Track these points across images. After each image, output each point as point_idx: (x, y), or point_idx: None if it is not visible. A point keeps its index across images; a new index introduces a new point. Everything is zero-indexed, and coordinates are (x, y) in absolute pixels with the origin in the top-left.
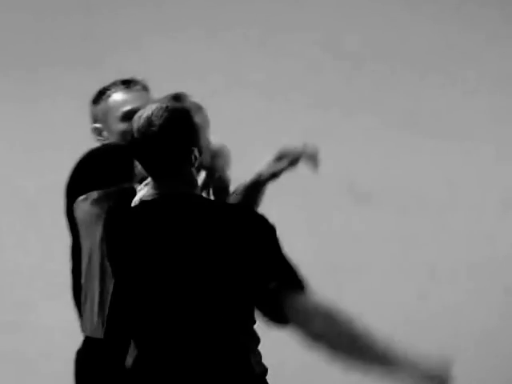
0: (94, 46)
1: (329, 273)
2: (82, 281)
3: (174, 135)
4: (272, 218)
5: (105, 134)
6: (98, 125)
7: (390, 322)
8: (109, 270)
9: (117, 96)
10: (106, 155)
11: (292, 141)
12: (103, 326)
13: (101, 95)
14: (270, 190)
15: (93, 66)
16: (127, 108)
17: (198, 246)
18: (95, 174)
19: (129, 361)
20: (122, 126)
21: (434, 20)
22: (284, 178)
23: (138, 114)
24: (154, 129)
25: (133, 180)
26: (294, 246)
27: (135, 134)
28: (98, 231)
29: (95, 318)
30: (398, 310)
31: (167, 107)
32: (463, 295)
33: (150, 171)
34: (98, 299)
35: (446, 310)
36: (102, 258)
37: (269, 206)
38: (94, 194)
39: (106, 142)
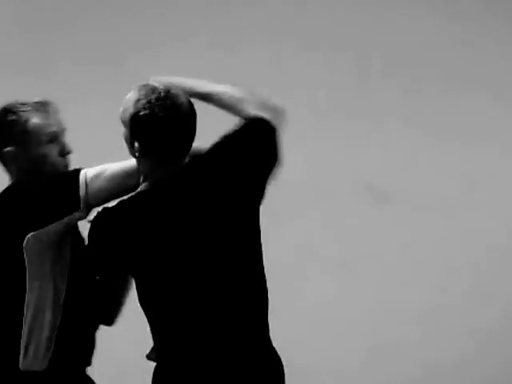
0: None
1: (346, 271)
2: (28, 313)
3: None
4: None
5: (21, 157)
6: (9, 148)
7: (409, 321)
8: (60, 297)
9: (35, 120)
10: (52, 188)
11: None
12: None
13: (10, 117)
14: (292, 193)
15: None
16: (53, 130)
17: (204, 219)
18: (47, 210)
19: (152, 354)
20: (48, 149)
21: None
22: (303, 179)
23: (132, 99)
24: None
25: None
26: (314, 245)
27: (158, 114)
28: (48, 259)
29: (42, 351)
30: (417, 307)
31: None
32: (482, 291)
33: (176, 150)
34: (48, 330)
35: (464, 306)
36: (55, 287)
37: (291, 209)
38: (50, 227)
39: (20, 165)
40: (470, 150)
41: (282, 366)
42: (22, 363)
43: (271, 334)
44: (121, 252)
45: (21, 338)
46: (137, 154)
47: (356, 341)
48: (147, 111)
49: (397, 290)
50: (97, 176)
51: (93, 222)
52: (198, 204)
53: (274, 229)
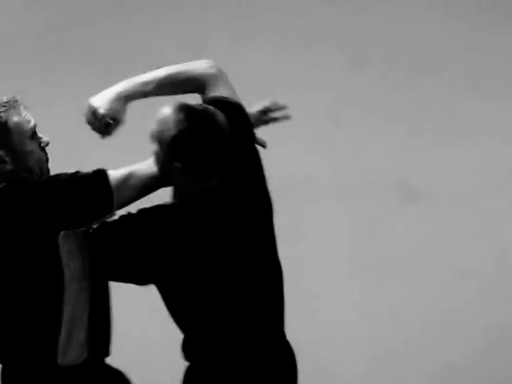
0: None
1: (379, 270)
2: (66, 309)
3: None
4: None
5: (8, 158)
6: None
7: (443, 319)
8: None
9: (15, 118)
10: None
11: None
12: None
13: None
14: (324, 188)
15: None
16: (32, 125)
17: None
18: (81, 211)
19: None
20: (32, 145)
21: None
22: (334, 177)
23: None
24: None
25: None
26: (347, 243)
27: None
28: (81, 257)
29: (82, 344)
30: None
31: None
32: None
33: (215, 167)
34: (86, 324)
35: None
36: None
37: (321, 207)
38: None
39: (10, 166)
40: (507, 147)
41: (295, 360)
42: (63, 359)
43: (304, 332)
44: (152, 260)
45: (51, 333)
46: (175, 173)
47: (384, 339)
48: (191, 132)
49: (429, 288)
50: (125, 179)
51: (125, 228)
52: (228, 218)
53: (305, 227)
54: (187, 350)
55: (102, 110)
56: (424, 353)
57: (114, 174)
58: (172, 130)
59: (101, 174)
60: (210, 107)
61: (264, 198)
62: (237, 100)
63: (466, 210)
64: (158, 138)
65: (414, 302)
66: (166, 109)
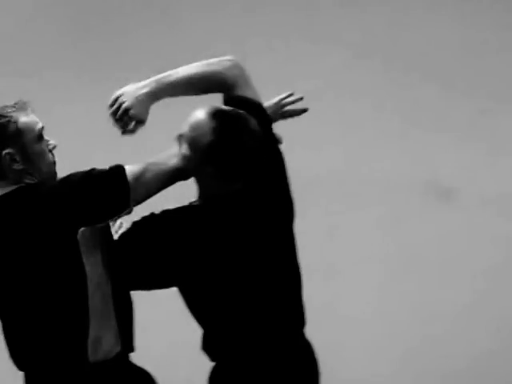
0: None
1: (412, 269)
2: (92, 302)
3: None
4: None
5: (19, 157)
6: (8, 150)
7: (474, 317)
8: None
9: (24, 119)
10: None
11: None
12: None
13: (0, 120)
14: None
15: None
16: (40, 126)
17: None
18: (98, 207)
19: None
20: (41, 147)
21: None
22: (364, 175)
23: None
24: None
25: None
26: (377, 243)
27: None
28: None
29: (115, 336)
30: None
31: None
32: None
33: (248, 171)
34: (114, 319)
35: None
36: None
37: (352, 202)
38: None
39: (21, 166)
40: None
41: (315, 358)
42: (95, 355)
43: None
44: (177, 260)
45: (79, 331)
46: (205, 177)
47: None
48: (228, 140)
49: (460, 290)
50: (142, 174)
51: (150, 230)
52: (250, 220)
53: (335, 227)
54: (210, 349)
55: (134, 111)
56: (451, 351)
57: (131, 169)
58: (208, 137)
59: (117, 170)
60: (242, 112)
61: (286, 200)
62: (258, 100)
63: (495, 208)
64: (192, 143)
65: (448, 302)
66: (199, 113)
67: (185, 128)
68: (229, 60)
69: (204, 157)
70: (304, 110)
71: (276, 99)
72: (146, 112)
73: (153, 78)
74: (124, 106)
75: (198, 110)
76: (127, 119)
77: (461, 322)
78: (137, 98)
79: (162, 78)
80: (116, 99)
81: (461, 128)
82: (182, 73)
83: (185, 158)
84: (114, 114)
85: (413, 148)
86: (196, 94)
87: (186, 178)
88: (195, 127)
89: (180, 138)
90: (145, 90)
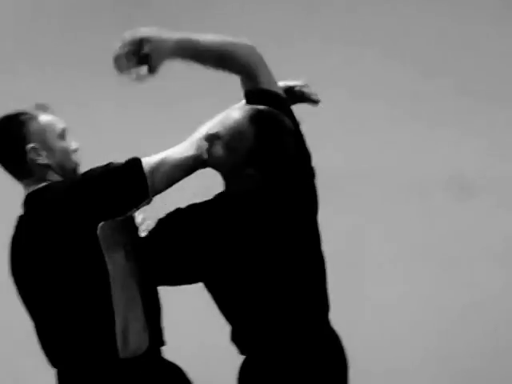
0: None
1: (436, 265)
2: (119, 301)
3: None
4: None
5: (43, 152)
6: (33, 144)
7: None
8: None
9: (45, 117)
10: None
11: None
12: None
13: (22, 117)
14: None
15: None
16: (63, 126)
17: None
18: (118, 200)
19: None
20: (63, 144)
21: None
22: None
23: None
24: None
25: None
26: (402, 239)
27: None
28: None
29: (142, 331)
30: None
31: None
32: None
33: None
34: (142, 314)
35: None
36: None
37: (376, 204)
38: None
39: (45, 160)
40: None
41: (342, 347)
42: (124, 351)
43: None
44: (206, 254)
45: (107, 327)
46: (242, 176)
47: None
48: (270, 145)
49: (485, 287)
50: (159, 166)
51: (179, 225)
52: (277, 214)
53: (360, 224)
54: (238, 340)
55: (154, 63)
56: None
57: (148, 161)
58: (250, 142)
59: (134, 163)
60: (277, 112)
61: (310, 192)
62: (278, 90)
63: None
64: (231, 145)
65: (478, 300)
66: (236, 115)
67: (219, 128)
68: (249, 47)
69: (245, 159)
70: (316, 101)
71: (291, 83)
72: (160, 66)
73: (178, 36)
74: (151, 53)
75: (234, 111)
76: (143, 66)
77: (484, 316)
78: (163, 50)
79: (194, 39)
80: (139, 42)
81: (480, 124)
82: (211, 44)
83: (219, 158)
84: (131, 54)
85: (435, 145)
86: (214, 69)
87: (203, 167)
88: (235, 131)
89: (212, 137)
90: (172, 45)
